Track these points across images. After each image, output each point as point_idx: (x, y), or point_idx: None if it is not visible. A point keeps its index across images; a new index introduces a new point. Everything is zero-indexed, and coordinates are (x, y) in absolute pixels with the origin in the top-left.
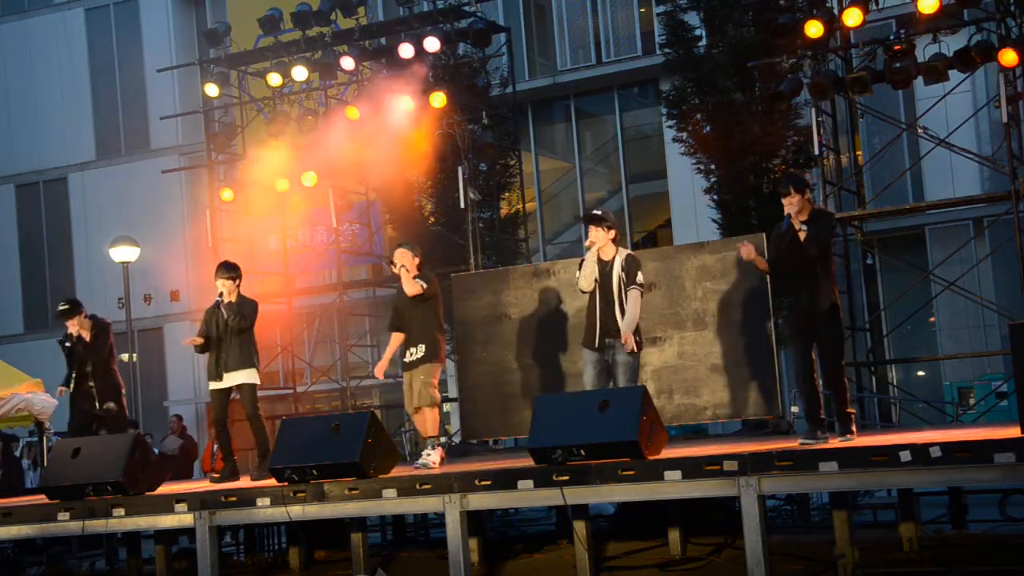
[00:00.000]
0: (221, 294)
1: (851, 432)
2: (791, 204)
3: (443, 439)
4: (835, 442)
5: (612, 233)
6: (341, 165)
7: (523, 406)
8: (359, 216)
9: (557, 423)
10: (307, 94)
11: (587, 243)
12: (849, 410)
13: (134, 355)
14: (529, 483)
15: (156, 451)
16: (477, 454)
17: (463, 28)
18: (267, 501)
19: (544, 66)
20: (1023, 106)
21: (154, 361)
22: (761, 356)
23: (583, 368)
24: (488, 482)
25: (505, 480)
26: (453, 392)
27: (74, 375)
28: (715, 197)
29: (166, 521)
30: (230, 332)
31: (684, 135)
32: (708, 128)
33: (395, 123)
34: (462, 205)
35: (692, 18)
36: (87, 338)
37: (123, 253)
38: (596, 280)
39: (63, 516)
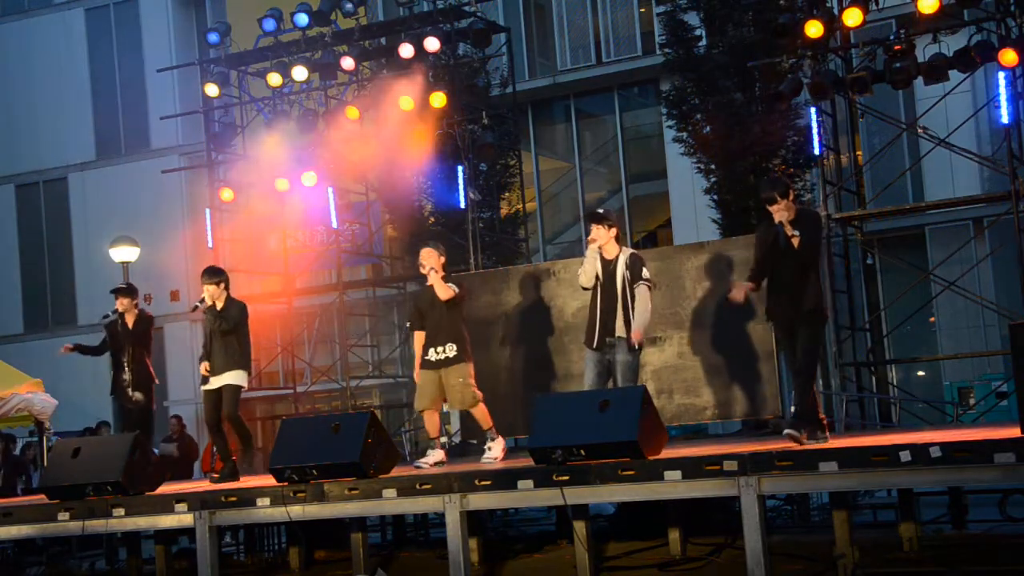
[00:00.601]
0: (202, 299)
1: (797, 432)
2: (779, 211)
3: (443, 439)
4: (785, 432)
5: (614, 231)
6: (341, 165)
7: (523, 406)
8: (359, 216)
9: (557, 423)
10: (307, 94)
11: (588, 239)
12: (821, 416)
13: None
14: (529, 483)
15: (156, 451)
16: (477, 454)
17: (463, 28)
18: (267, 501)
19: (544, 66)
20: (1023, 106)
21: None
22: (761, 356)
23: (583, 368)
24: (488, 482)
25: (505, 480)
26: None
27: (111, 364)
28: (715, 197)
29: (166, 521)
30: (216, 335)
31: (684, 135)
32: (708, 128)
33: (395, 123)
34: (462, 205)
35: (692, 18)
36: (129, 324)
37: (123, 253)
38: (597, 278)
39: (63, 516)
